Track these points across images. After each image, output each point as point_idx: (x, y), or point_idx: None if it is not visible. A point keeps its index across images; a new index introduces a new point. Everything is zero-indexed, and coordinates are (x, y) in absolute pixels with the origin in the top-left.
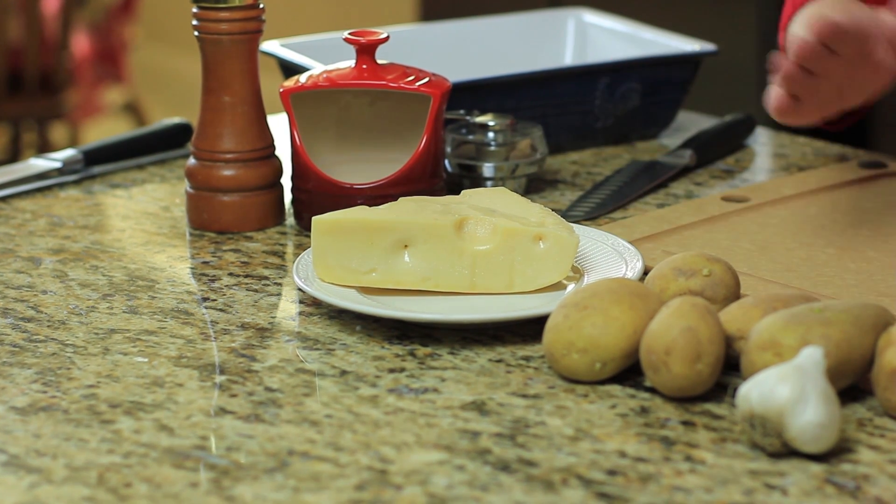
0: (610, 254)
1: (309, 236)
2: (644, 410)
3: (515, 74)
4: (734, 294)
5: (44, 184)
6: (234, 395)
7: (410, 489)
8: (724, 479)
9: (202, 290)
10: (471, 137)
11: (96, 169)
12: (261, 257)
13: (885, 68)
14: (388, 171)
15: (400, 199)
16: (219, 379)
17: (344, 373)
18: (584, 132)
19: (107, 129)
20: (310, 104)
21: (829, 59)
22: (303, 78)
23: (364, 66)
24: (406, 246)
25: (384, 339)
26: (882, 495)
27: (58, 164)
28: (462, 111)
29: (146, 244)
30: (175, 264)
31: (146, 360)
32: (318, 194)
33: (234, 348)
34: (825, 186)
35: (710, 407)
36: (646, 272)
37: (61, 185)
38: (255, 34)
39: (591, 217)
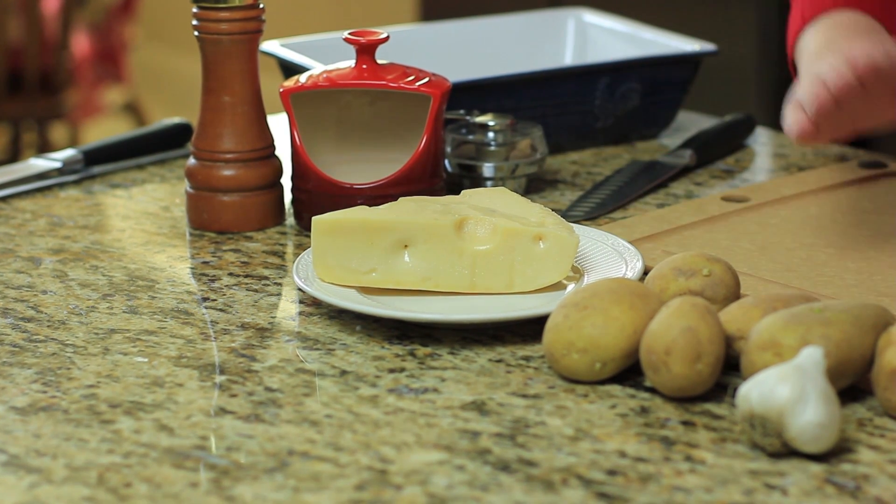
0: (610, 254)
1: (309, 236)
2: (644, 410)
3: (515, 74)
4: (734, 294)
5: (44, 184)
6: (234, 395)
7: (410, 489)
8: (724, 479)
9: (202, 290)
10: (471, 137)
11: (96, 169)
12: (261, 257)
13: None
14: (388, 171)
15: (400, 199)
16: (219, 379)
17: (344, 373)
18: (584, 132)
19: (107, 129)
20: (310, 104)
21: (859, 94)
22: (303, 78)
23: (364, 66)
24: (406, 246)
25: (384, 339)
26: (882, 495)
27: (58, 164)
28: (462, 111)
29: (146, 244)
30: (175, 264)
31: (146, 360)
32: (318, 194)
33: (234, 348)
34: (825, 186)
35: (710, 407)
36: (646, 272)
37: (61, 185)
38: (255, 34)
39: (591, 217)
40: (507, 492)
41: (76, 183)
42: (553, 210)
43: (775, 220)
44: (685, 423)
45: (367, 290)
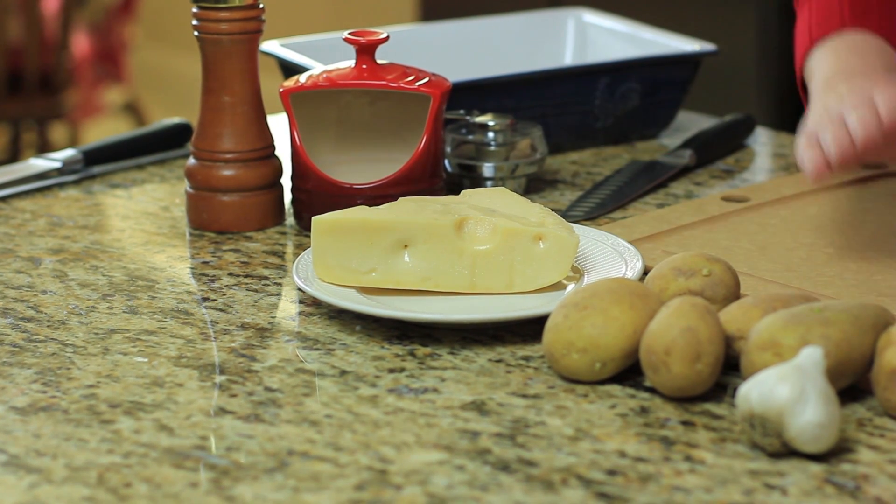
0: (610, 254)
1: (309, 236)
2: (644, 410)
3: (515, 74)
4: (734, 294)
5: (44, 184)
6: (233, 395)
7: (410, 489)
8: (723, 479)
9: (202, 290)
10: (471, 137)
11: (96, 169)
12: (261, 257)
13: None
14: (387, 171)
15: (400, 199)
16: (219, 379)
17: (344, 373)
18: (584, 132)
19: (107, 129)
20: (310, 104)
21: (881, 144)
22: (303, 78)
23: (364, 66)
24: (406, 246)
25: (384, 339)
26: (882, 495)
27: (58, 164)
28: (462, 111)
29: (146, 244)
30: (175, 264)
31: (146, 360)
32: (318, 194)
33: (234, 348)
34: (825, 186)
35: (710, 407)
36: (646, 272)
37: (61, 185)
38: (255, 34)
39: (591, 217)
40: (507, 492)
41: (76, 183)
42: (553, 210)
43: (775, 220)
44: (685, 423)
45: (366, 290)
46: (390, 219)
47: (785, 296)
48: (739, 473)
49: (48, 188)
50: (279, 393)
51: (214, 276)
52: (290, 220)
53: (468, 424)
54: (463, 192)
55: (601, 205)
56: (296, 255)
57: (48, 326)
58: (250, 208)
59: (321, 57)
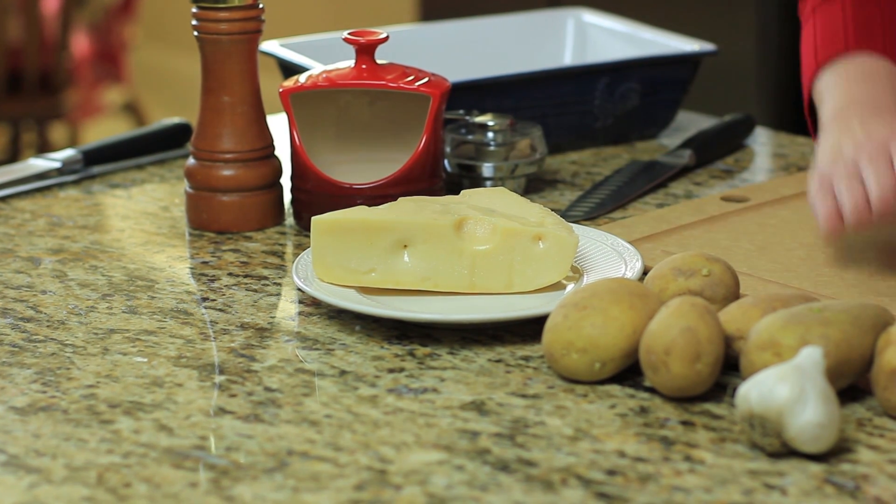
0: (609, 254)
1: (308, 236)
2: (643, 410)
3: (515, 74)
4: (733, 294)
5: (43, 184)
6: (233, 395)
7: (410, 489)
8: (723, 478)
9: (201, 290)
10: (470, 137)
11: (96, 169)
12: (260, 257)
13: None
14: (387, 171)
15: (399, 199)
16: (218, 379)
17: (343, 373)
18: (584, 132)
19: (106, 129)
20: (309, 104)
21: None
22: (302, 78)
23: (363, 66)
24: (405, 246)
25: (383, 339)
26: (881, 495)
27: (57, 164)
28: (461, 111)
29: (145, 244)
30: (174, 264)
31: (145, 360)
32: (318, 194)
33: (234, 348)
34: None
35: (710, 407)
36: (645, 272)
37: (61, 185)
38: (255, 34)
39: (591, 217)
40: (507, 492)
41: (76, 183)
42: (552, 210)
43: (774, 221)
44: (684, 423)
45: (366, 290)
46: (390, 219)
47: (784, 296)
48: (739, 473)
49: (48, 188)
50: (279, 393)
51: (214, 276)
52: (289, 220)
53: (468, 424)
54: (462, 192)
55: (601, 205)
56: (295, 255)
57: (48, 326)
58: (250, 208)
59: (321, 57)
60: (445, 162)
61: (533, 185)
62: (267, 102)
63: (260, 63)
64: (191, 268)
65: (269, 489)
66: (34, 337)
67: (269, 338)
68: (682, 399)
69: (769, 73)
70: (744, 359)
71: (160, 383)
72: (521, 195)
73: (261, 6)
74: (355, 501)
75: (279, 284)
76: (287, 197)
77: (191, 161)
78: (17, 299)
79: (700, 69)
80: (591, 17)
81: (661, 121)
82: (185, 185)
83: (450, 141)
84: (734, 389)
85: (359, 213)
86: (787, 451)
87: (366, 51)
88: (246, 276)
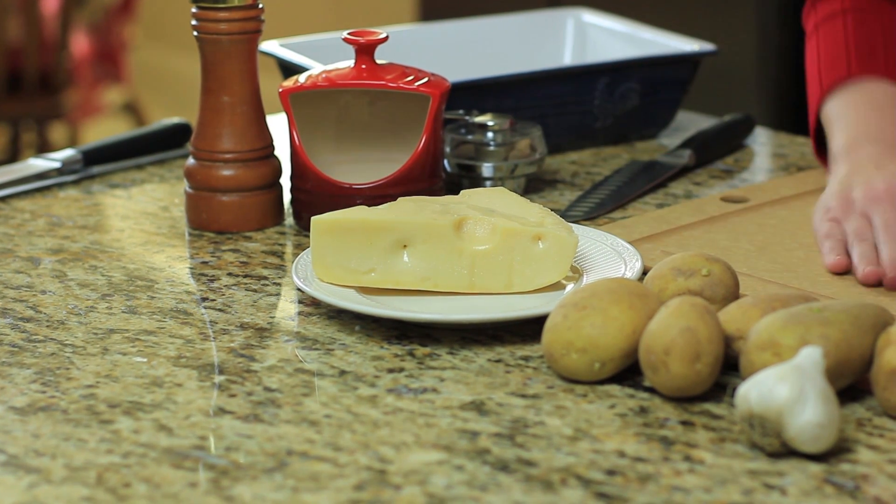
0: (609, 254)
1: (308, 236)
2: (643, 410)
3: (514, 74)
4: (733, 294)
5: (43, 184)
6: (233, 395)
7: (409, 489)
8: (722, 478)
9: (201, 290)
10: (470, 137)
11: (95, 169)
12: (260, 257)
13: None
14: (387, 171)
15: (399, 199)
16: (218, 379)
17: (343, 373)
18: (584, 132)
19: (106, 129)
20: (309, 104)
21: None
22: (302, 78)
23: (363, 66)
24: (405, 246)
25: (383, 339)
26: (881, 495)
27: (57, 164)
28: (461, 111)
29: (145, 244)
30: (174, 264)
31: (145, 360)
32: (318, 194)
33: (233, 348)
34: (824, 187)
35: (709, 407)
36: (645, 272)
37: (60, 185)
38: (255, 34)
39: (591, 217)
40: (506, 492)
41: (75, 183)
42: (552, 210)
43: (774, 221)
44: (684, 423)
45: (366, 290)
46: (389, 219)
47: (784, 296)
48: (739, 473)
49: (47, 188)
50: (278, 393)
51: (214, 276)
52: (289, 220)
53: (467, 424)
54: (462, 192)
55: (600, 205)
56: (295, 255)
57: (47, 326)
58: (249, 208)
59: (320, 57)
60: (445, 162)
61: (533, 185)
62: (267, 102)
63: (260, 63)
64: (190, 268)
65: (269, 489)
66: (34, 337)
67: (268, 338)
68: (682, 399)
69: (769, 73)
70: (743, 359)
71: (160, 383)
72: (521, 195)
73: (260, 6)
74: (355, 501)
75: (279, 284)
76: (287, 197)
77: (190, 161)
78: (17, 299)
79: (700, 69)
80: (591, 17)
81: (661, 121)
82: (184, 185)
83: (449, 141)
84: (734, 389)
85: (358, 213)
86: (786, 451)
87: (365, 51)
88: (245, 276)
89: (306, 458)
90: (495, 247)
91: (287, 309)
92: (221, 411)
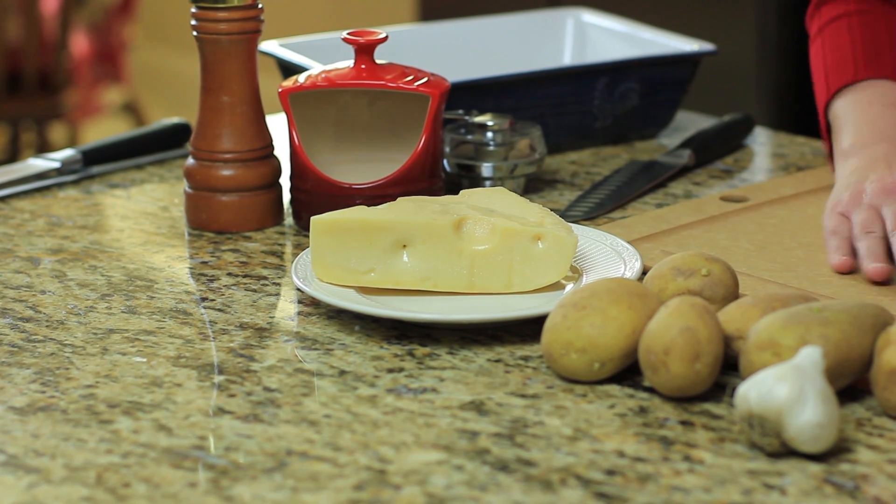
0: (608, 254)
1: (308, 236)
2: (643, 410)
3: (514, 74)
4: (733, 294)
5: (43, 184)
6: (232, 395)
7: (409, 489)
8: (722, 478)
9: (201, 290)
10: (469, 137)
11: (95, 169)
12: (259, 257)
13: None
14: (386, 171)
15: (399, 198)
16: (217, 379)
17: (343, 373)
18: (583, 132)
19: (106, 129)
20: (308, 104)
21: None
22: (301, 78)
23: (363, 66)
24: (405, 246)
25: (383, 339)
26: (881, 495)
27: (56, 164)
28: (461, 111)
29: (145, 244)
30: (174, 264)
31: (145, 360)
32: (317, 194)
33: (233, 348)
34: (824, 186)
35: (709, 407)
36: (644, 272)
37: (60, 185)
38: (254, 34)
39: (590, 217)
40: (506, 492)
41: (75, 183)
42: (552, 210)
43: (774, 220)
44: (684, 423)
45: (365, 290)
46: (389, 219)
47: (784, 296)
48: (738, 473)
49: (47, 188)
50: (278, 393)
51: (213, 276)
52: (288, 219)
53: (467, 424)
54: (462, 191)
55: (600, 205)
56: (294, 255)
57: (47, 326)
58: (249, 208)
59: (320, 57)
60: (445, 162)
61: (532, 185)
62: (266, 102)
63: (259, 63)
64: (190, 268)
65: (269, 489)
66: (33, 337)
67: (268, 338)
68: (682, 399)
69: (769, 73)
70: (743, 359)
71: (159, 383)
72: (521, 195)
73: (260, 6)
74: (354, 501)
75: (278, 284)
76: (286, 197)
77: (190, 161)
78: (17, 299)
79: (699, 69)
80: (591, 17)
81: (661, 121)
82: (184, 185)
83: (449, 141)
84: (733, 389)
85: (358, 213)
86: (786, 451)
87: (365, 51)
88: (245, 276)
89: (306, 458)
90: (495, 247)
91: (286, 309)
92: (221, 411)
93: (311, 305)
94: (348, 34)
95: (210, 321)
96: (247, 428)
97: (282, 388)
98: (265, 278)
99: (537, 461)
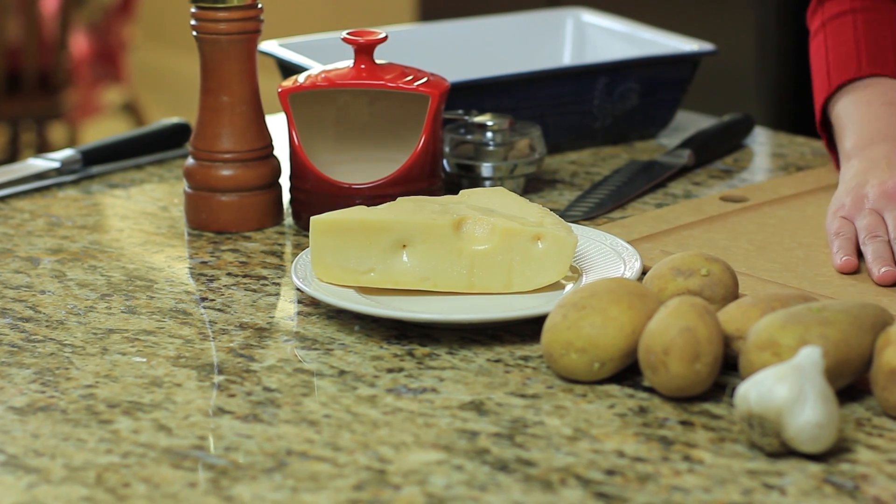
0: (608, 254)
1: (307, 236)
2: (642, 410)
3: (514, 74)
4: (732, 294)
5: (42, 184)
6: (232, 395)
7: (409, 489)
8: (722, 478)
9: (200, 290)
10: (469, 137)
11: (95, 169)
12: (259, 257)
13: None
14: (386, 170)
15: (398, 198)
16: (217, 379)
17: (342, 373)
18: (583, 132)
19: (105, 129)
20: (308, 104)
21: None
22: (301, 78)
23: (362, 66)
24: (404, 246)
25: (382, 339)
26: (880, 495)
27: (56, 164)
28: (461, 111)
29: (144, 244)
30: (173, 264)
31: (144, 360)
32: (317, 194)
33: (233, 348)
34: (824, 186)
35: (709, 407)
36: (644, 272)
37: (60, 185)
38: (254, 34)
39: (590, 217)
40: (506, 492)
41: (75, 183)
42: (551, 210)
43: (773, 220)
44: (683, 423)
45: (365, 290)
46: (389, 219)
47: (783, 296)
48: (738, 473)
49: (47, 188)
50: (278, 393)
51: (213, 276)
52: (288, 219)
53: (467, 424)
54: (461, 191)
55: (600, 205)
56: (294, 255)
57: (47, 326)
58: (249, 208)
59: (320, 57)
60: (444, 162)
61: (532, 185)
62: (266, 102)
63: (259, 63)
64: (190, 268)
65: (268, 489)
66: (33, 337)
67: (267, 338)
68: (681, 399)
69: (768, 73)
70: (743, 359)
71: (159, 383)
72: (521, 195)
73: (260, 6)
74: (354, 501)
75: (278, 284)
76: (286, 197)
77: (190, 161)
78: (16, 299)
79: (699, 69)
80: (591, 17)
81: (661, 121)
82: (183, 185)
83: (449, 141)
84: (733, 389)
85: (358, 213)
86: (786, 451)
87: (365, 51)
88: (245, 276)
89: (305, 458)
90: (494, 247)
91: (286, 309)
92: (221, 411)
93: (311, 305)
94: (348, 34)
95: (210, 321)
96: (246, 428)
97: (281, 388)
98: (265, 278)
99: (537, 461)
